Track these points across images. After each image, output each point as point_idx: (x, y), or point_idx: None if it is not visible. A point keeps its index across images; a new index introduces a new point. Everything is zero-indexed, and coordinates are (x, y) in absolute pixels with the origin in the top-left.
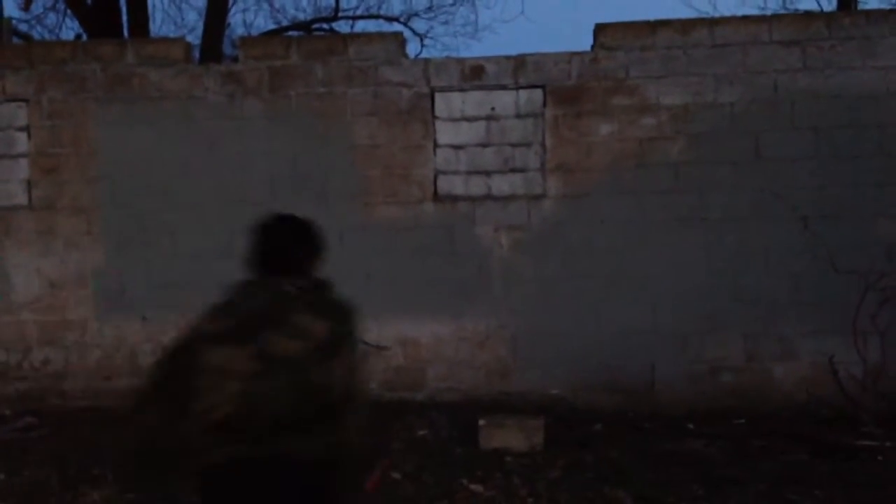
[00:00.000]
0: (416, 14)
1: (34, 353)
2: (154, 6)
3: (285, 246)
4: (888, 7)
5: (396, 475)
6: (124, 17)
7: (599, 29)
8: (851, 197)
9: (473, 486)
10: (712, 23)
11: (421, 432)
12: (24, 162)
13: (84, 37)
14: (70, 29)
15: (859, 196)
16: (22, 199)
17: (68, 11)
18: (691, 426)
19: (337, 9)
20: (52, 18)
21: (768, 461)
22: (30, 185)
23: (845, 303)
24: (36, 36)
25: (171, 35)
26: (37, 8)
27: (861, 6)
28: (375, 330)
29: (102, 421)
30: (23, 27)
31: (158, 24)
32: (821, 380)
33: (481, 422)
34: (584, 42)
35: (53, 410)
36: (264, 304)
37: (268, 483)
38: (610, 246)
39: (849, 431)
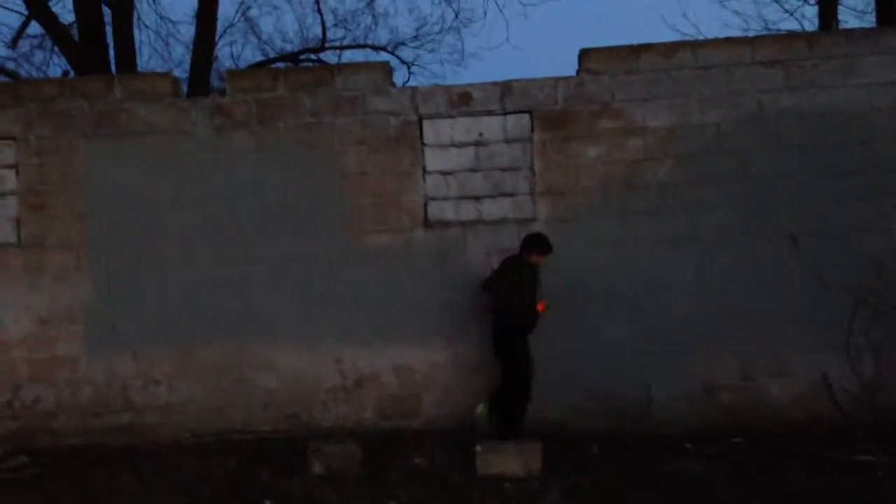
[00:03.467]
0: (403, 43)
1: (25, 390)
2: (141, 41)
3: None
4: (868, 26)
5: None
6: (111, 53)
7: (584, 54)
8: (838, 213)
9: None
10: (695, 45)
11: (417, 460)
12: (12, 200)
13: (71, 74)
14: (57, 66)
15: (845, 212)
16: (11, 236)
17: (55, 49)
18: (689, 446)
19: (324, 40)
20: (39, 56)
21: (767, 480)
22: (18, 223)
23: (837, 319)
24: (23, 74)
25: (159, 70)
26: (24, 46)
27: (841, 26)
28: (368, 357)
29: (95, 458)
30: (10, 65)
31: (146, 59)
32: (816, 396)
33: (478, 448)
34: (569, 67)
35: (45, 449)
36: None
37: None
38: (601, 268)
39: (846, 448)
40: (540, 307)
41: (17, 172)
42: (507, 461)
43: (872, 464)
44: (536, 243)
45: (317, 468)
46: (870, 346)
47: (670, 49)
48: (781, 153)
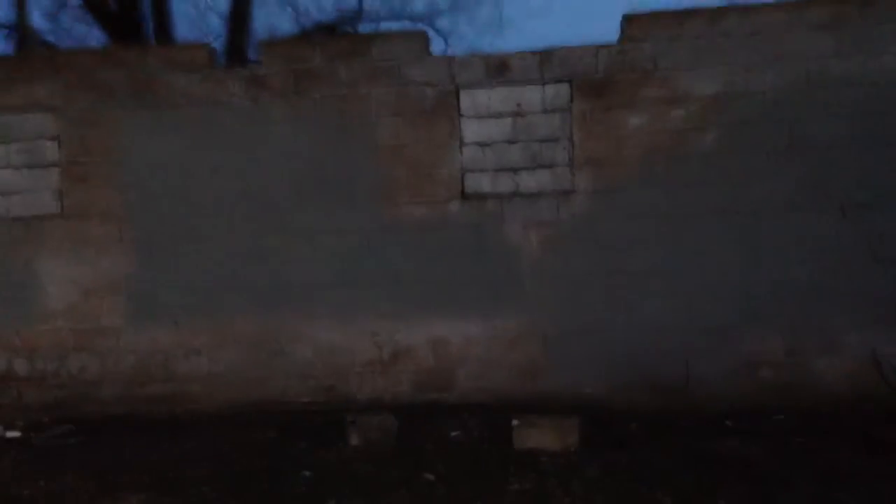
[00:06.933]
0: (440, 12)
1: (70, 360)
2: (177, 14)
3: None
4: None
5: (429, 476)
6: (150, 27)
7: (627, 20)
8: (889, 183)
9: (507, 488)
10: (743, 10)
11: (453, 434)
12: (54, 171)
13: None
14: (97, 39)
15: None
16: (53, 207)
17: (94, 21)
18: (729, 423)
19: (360, 10)
20: (79, 29)
21: (811, 459)
22: (61, 193)
23: (887, 293)
24: (62, 46)
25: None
26: (63, 19)
27: None
28: (404, 331)
29: (138, 427)
30: (50, 38)
31: (183, 33)
32: (864, 373)
33: (515, 422)
34: (611, 34)
35: (90, 417)
36: None
37: None
38: (642, 241)
39: (894, 426)
40: None
41: (59, 144)
42: (543, 436)
43: None
44: None
45: (354, 440)
46: None
47: (717, 14)
48: (830, 122)
